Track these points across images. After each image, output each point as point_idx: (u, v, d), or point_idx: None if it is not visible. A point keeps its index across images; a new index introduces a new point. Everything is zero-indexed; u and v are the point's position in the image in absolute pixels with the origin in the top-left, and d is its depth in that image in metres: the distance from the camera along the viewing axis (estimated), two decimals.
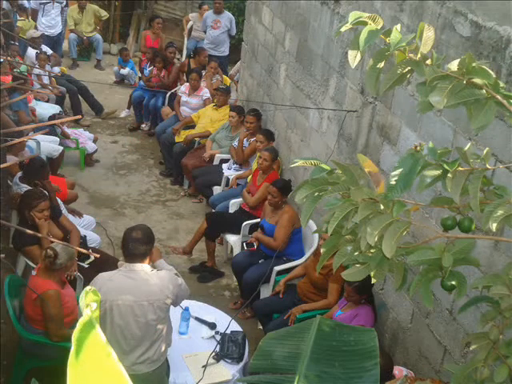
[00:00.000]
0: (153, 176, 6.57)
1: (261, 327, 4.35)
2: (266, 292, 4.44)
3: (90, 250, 3.51)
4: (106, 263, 3.84)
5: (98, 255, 3.04)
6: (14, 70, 5.99)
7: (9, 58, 5.82)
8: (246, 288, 4.46)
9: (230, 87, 7.02)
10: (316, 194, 1.50)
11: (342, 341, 1.81)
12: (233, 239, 5.03)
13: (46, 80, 7.06)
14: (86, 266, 4.18)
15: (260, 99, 6.14)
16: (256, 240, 4.60)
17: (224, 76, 7.38)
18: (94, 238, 4.71)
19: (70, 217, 4.67)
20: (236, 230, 4.95)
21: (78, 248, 2.97)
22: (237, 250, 4.91)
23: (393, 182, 1.38)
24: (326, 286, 4.01)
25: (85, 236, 4.54)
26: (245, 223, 4.90)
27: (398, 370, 3.16)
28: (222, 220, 5.11)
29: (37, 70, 6.80)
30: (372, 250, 1.46)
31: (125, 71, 8.53)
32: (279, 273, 4.43)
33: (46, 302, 3.36)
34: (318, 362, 1.74)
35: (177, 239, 5.51)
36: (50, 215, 4.14)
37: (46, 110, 6.60)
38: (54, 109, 6.69)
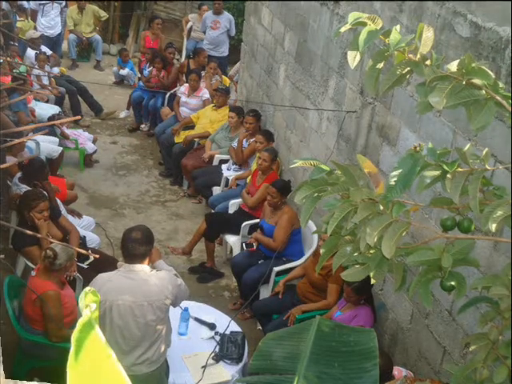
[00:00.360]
0: (152, 176, 6.54)
1: (260, 328, 4.33)
2: (265, 293, 4.42)
3: (90, 251, 3.47)
4: (105, 264, 3.81)
5: (97, 256, 3.06)
6: (14, 70, 5.97)
7: (8, 59, 5.80)
8: (246, 288, 4.44)
9: (230, 88, 7.01)
10: (315, 194, 1.50)
11: (341, 341, 1.81)
12: (232, 240, 5.00)
13: (45, 80, 7.05)
14: (86, 266, 4.14)
15: (259, 100, 6.13)
16: (255, 240, 4.58)
17: (223, 76, 7.34)
18: (93, 239, 4.68)
19: (70, 217, 4.64)
20: (235, 231, 4.92)
21: (77, 249, 2.98)
22: (236, 251, 4.88)
23: (392, 183, 1.38)
24: (325, 286, 3.99)
25: (84, 237, 4.51)
26: (244, 224, 4.87)
27: (398, 371, 3.16)
28: (222, 220, 5.09)
29: (36, 71, 6.77)
30: (371, 251, 1.45)
31: (124, 72, 8.51)
32: (279, 273, 4.40)
33: (46, 303, 3.35)
34: (317, 363, 1.74)
35: (176, 240, 5.48)
36: (50, 216, 4.11)
37: (45, 110, 6.59)
38: (54, 109, 6.67)
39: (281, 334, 1.96)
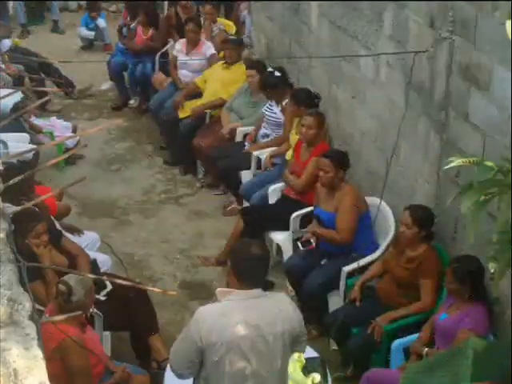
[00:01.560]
0: (155, 167, 5.98)
1: (335, 347, 3.94)
2: (335, 301, 4.05)
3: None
4: (127, 291, 3.63)
5: (120, 281, 2.91)
6: None
7: None
8: (309, 299, 4.04)
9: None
10: (482, 198, 1.60)
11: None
12: (280, 238, 4.54)
13: None
14: (103, 298, 3.70)
15: (286, 49, 5.64)
16: (313, 235, 4.13)
17: (226, 21, 6.79)
18: (104, 260, 4.24)
19: (69, 236, 4.16)
20: (282, 226, 4.47)
21: (91, 275, 3.00)
22: (287, 252, 4.45)
23: None
24: (415, 284, 3.62)
25: (95, 260, 4.03)
26: (294, 215, 4.40)
27: None
28: (263, 214, 4.64)
29: None
30: None
31: (91, 33, 7.97)
32: (350, 274, 4.01)
33: (67, 353, 3.02)
34: None
35: (203, 246, 4.98)
36: (50, 239, 3.68)
37: (5, 99, 5.90)
38: (15, 96, 5.86)
39: (424, 364, 1.99)
